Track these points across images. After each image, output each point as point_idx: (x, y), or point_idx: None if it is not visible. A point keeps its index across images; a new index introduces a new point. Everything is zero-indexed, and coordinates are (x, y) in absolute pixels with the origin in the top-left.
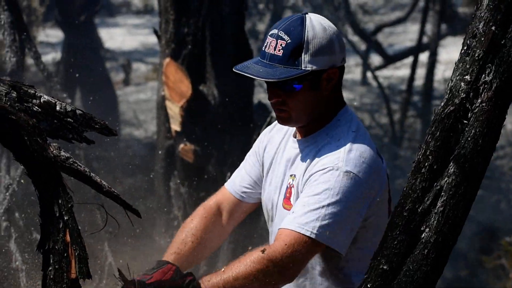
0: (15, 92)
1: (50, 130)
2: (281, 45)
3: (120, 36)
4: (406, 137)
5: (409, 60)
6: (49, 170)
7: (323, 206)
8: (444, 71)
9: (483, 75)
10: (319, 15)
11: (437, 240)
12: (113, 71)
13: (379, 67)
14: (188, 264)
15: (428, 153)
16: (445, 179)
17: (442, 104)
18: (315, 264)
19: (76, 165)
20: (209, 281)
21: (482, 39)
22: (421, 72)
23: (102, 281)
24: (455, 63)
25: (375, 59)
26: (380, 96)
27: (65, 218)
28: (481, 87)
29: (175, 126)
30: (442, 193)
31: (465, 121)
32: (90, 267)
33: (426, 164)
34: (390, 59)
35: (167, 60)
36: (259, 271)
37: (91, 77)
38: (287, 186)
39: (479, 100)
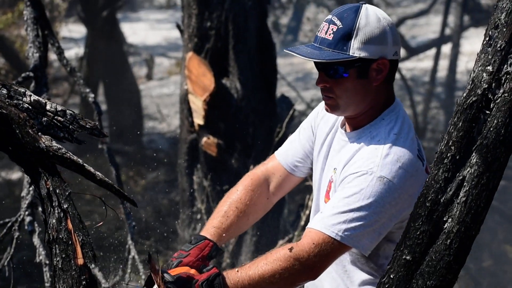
0: (5, 89)
1: (41, 128)
2: (332, 29)
3: (143, 31)
4: (429, 129)
5: (432, 51)
6: (42, 161)
7: (351, 210)
8: (467, 62)
9: (505, 66)
10: (377, 8)
11: (459, 230)
12: (136, 65)
13: (402, 59)
14: (228, 237)
15: (450, 143)
16: (468, 169)
17: (465, 94)
18: (355, 261)
19: (68, 155)
20: (234, 276)
21: (504, 29)
22: (444, 64)
23: (125, 275)
24: (477, 54)
25: None
26: (403, 87)
27: (65, 206)
28: (503, 78)
29: (198, 120)
30: (465, 183)
31: (487, 112)
32: (114, 261)
33: (448, 154)
34: (413, 51)
35: (190, 54)
36: (284, 269)
37: (114, 72)
38: (329, 180)
39: (501, 91)
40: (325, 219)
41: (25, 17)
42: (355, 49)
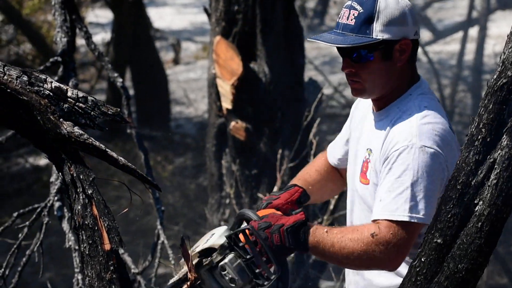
0: (25, 76)
1: (63, 115)
2: (353, 14)
3: (169, 15)
4: (456, 112)
5: (459, 35)
6: (65, 147)
7: (407, 188)
8: (494, 45)
9: None
10: None
11: (490, 213)
12: (162, 50)
13: (429, 42)
14: (312, 191)
15: (481, 125)
16: (499, 152)
17: (495, 76)
18: None
19: (90, 140)
20: (320, 235)
21: None
22: (471, 47)
23: (154, 260)
24: (507, 36)
25: (425, 35)
26: (430, 71)
27: (89, 192)
28: None
29: (226, 104)
30: (496, 166)
31: None
32: (143, 246)
33: (479, 137)
34: (439, 34)
35: (218, 38)
36: (364, 251)
37: (140, 57)
38: (363, 160)
39: None
40: (387, 206)
41: (53, 1)
42: (377, 31)
